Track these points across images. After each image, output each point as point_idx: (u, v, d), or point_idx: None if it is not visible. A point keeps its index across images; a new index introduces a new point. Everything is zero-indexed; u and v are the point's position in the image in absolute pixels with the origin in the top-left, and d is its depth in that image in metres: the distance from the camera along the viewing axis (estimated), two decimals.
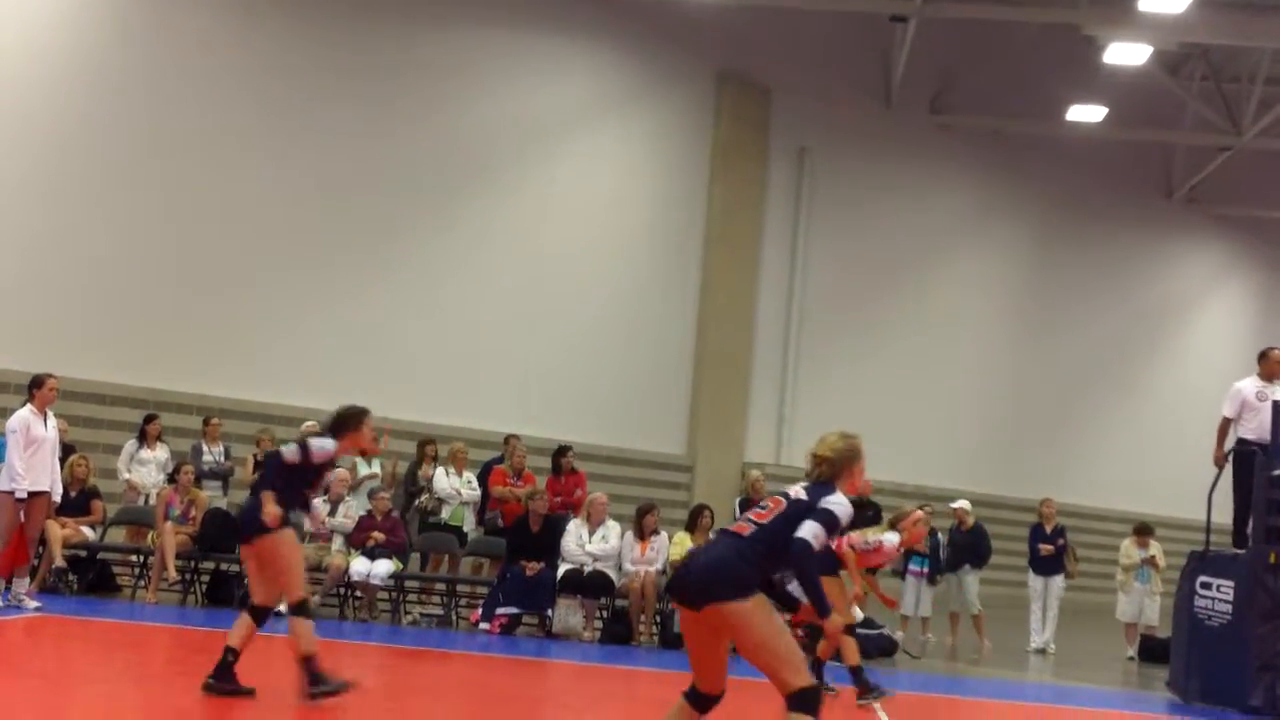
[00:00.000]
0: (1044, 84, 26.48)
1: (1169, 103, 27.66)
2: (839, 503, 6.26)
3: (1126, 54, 23.40)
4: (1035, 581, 17.26)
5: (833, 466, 6.45)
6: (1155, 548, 17.25)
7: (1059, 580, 17.21)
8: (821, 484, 6.35)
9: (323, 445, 8.54)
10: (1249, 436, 13.18)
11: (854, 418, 26.41)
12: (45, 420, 12.15)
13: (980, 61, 26.34)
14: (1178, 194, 31.56)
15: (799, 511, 6.18)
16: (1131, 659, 16.90)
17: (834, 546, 10.04)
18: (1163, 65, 26.07)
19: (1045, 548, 17.18)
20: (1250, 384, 13.39)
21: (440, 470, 15.66)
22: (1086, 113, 26.51)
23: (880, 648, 14.36)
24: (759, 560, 6.11)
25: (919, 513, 10.56)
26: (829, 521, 6.16)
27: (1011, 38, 25.63)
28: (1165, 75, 26.55)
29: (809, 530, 6.11)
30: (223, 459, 15.94)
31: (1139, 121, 27.76)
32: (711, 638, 6.16)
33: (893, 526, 10.61)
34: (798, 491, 6.34)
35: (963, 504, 17.44)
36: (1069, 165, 28.95)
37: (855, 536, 10.28)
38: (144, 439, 15.79)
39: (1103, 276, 30.40)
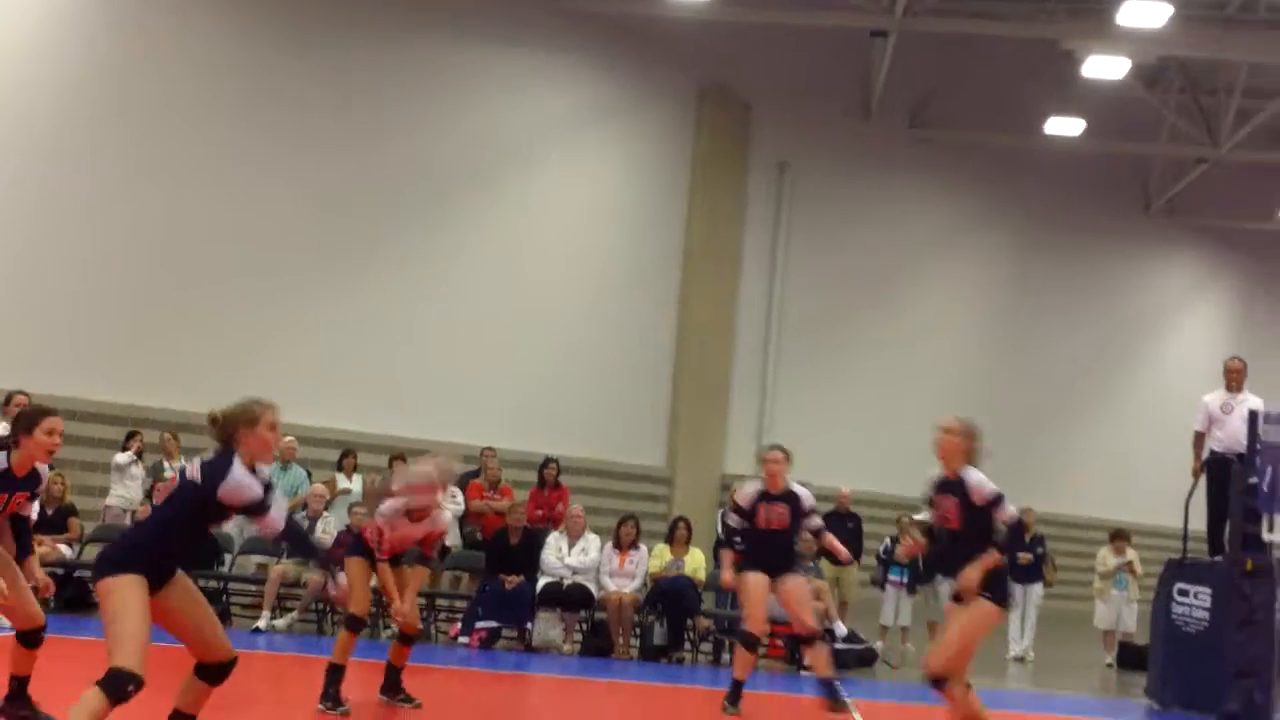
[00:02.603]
0: (1022, 98, 26.62)
1: (1147, 116, 27.80)
2: (227, 472, 6.22)
3: (1105, 67, 23.52)
4: (1014, 590, 17.27)
5: (224, 429, 6.46)
6: (1132, 554, 17.32)
7: (1037, 588, 17.26)
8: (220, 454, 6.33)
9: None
10: (1217, 448, 13.33)
11: (833, 429, 26.87)
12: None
13: (959, 76, 26.45)
14: (1155, 206, 31.74)
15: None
16: (1110, 666, 16.95)
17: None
18: (1141, 78, 26.20)
19: (1023, 556, 17.22)
20: (1215, 397, 13.55)
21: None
22: (1065, 126, 26.65)
23: (860, 658, 14.37)
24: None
25: (432, 479, 9.45)
26: (207, 490, 6.20)
27: (991, 52, 25.74)
28: (1143, 88, 26.69)
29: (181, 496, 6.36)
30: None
31: (1117, 134, 27.92)
32: None
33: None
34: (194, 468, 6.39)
35: (925, 516, 17.46)
36: (1047, 178, 29.09)
37: None
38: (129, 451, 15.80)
39: (1081, 288, 30.53)
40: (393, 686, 9.50)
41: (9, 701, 7.66)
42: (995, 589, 7.79)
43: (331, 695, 8.89)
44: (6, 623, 11.82)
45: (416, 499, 9.27)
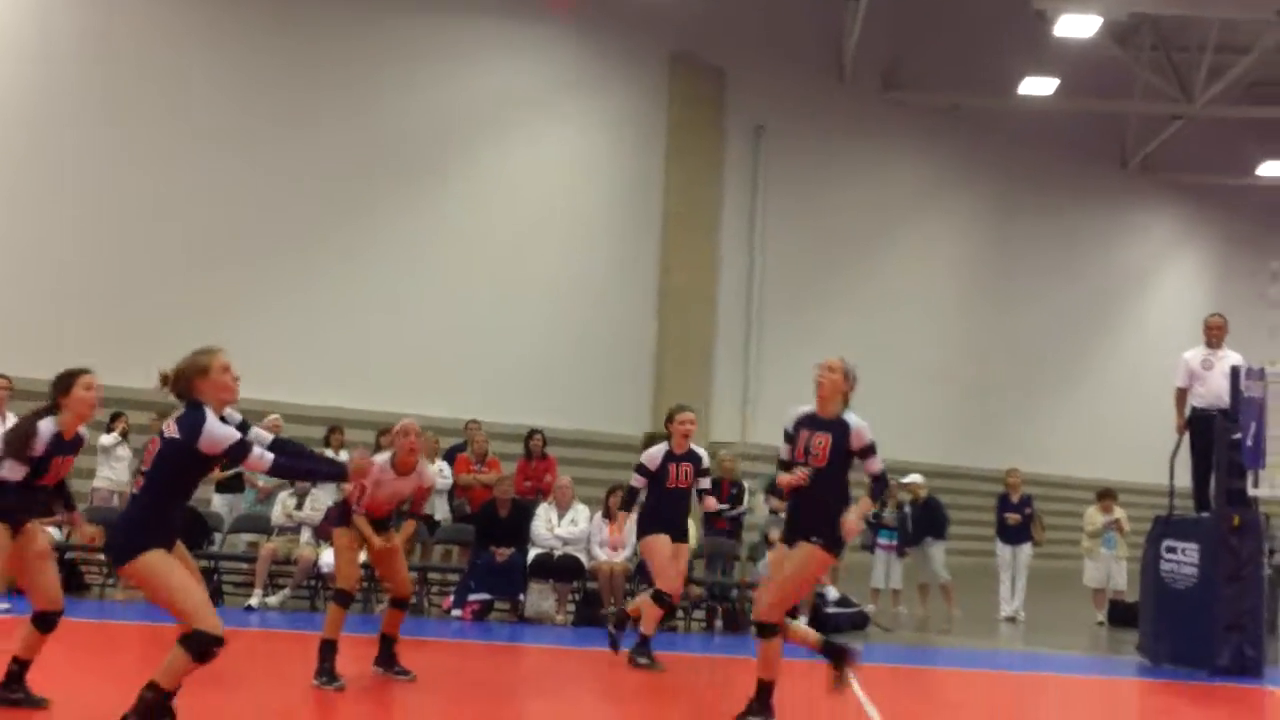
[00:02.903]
0: (996, 58, 26.63)
1: (1120, 73, 27.86)
2: (200, 426, 6.37)
3: (1077, 26, 23.56)
4: (1003, 551, 17.37)
5: (180, 384, 6.59)
6: (1119, 512, 17.39)
7: (1027, 549, 17.33)
8: (189, 408, 6.48)
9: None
10: (1199, 404, 13.41)
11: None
12: (4, 421, 12.02)
13: (932, 37, 26.44)
14: (1132, 163, 31.83)
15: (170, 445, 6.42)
16: (1100, 624, 17.05)
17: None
18: (1113, 36, 26.22)
19: (1012, 517, 17.29)
20: (1195, 353, 13.61)
21: (380, 456, 15.63)
22: (1039, 85, 26.70)
23: (852, 622, 14.42)
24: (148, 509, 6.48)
25: (403, 422, 9.57)
26: (184, 448, 6.37)
27: (963, 12, 25.73)
28: (1115, 46, 26.71)
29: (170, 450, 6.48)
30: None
31: (1091, 92, 27.97)
32: None
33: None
34: (170, 426, 6.48)
35: (914, 478, 17.52)
36: (1023, 138, 29.13)
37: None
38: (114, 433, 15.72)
39: (1060, 247, 30.62)
40: (388, 659, 9.49)
41: (5, 684, 7.64)
42: (829, 534, 7.76)
43: (326, 670, 8.93)
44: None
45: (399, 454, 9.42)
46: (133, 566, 6.36)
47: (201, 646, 6.29)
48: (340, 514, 9.61)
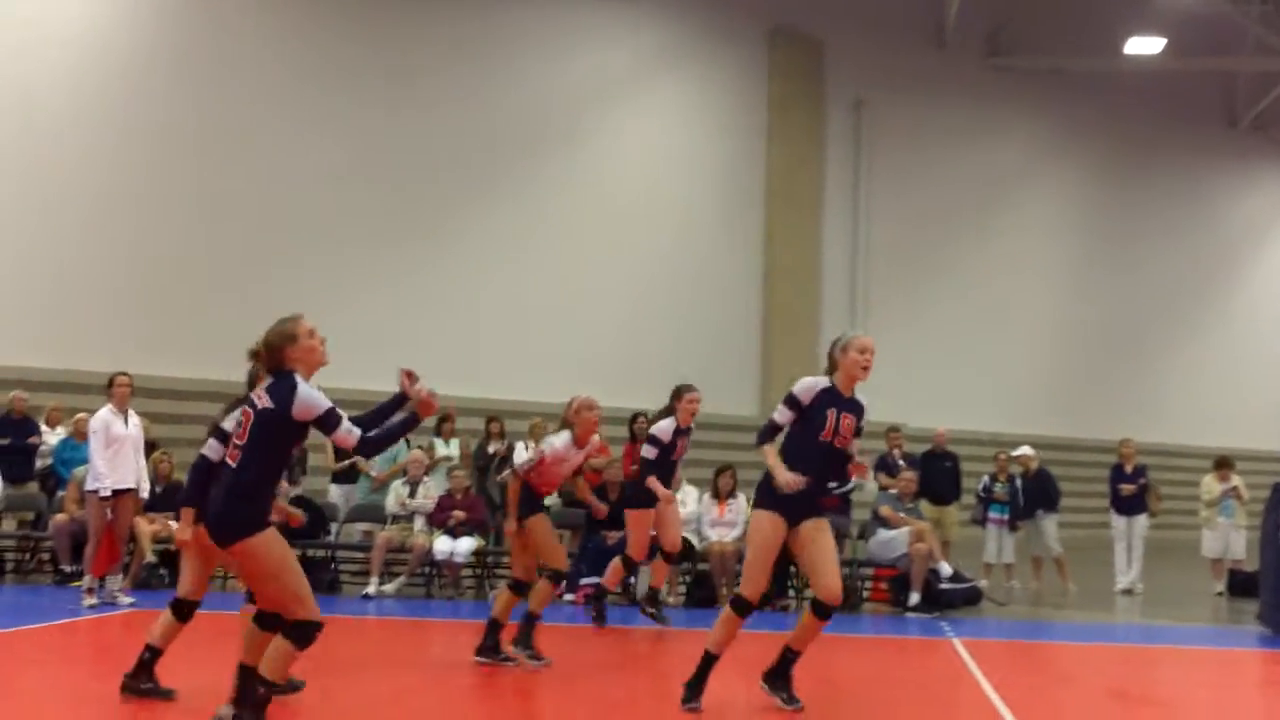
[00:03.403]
0: (1101, 18, 26.17)
1: (1230, 29, 27.21)
2: (300, 396, 6.31)
3: None
4: (1118, 522, 17.14)
5: (272, 356, 6.50)
6: (1237, 480, 17.06)
7: (1142, 519, 17.07)
8: (278, 379, 6.42)
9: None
10: None
11: (926, 368, 26.69)
12: (125, 419, 12.30)
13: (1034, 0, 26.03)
14: (1242, 122, 31.13)
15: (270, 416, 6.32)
16: (1220, 594, 16.75)
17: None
18: None
19: (1126, 488, 17.04)
20: None
21: (520, 444, 15.78)
22: (1145, 44, 26.18)
23: (965, 597, 14.31)
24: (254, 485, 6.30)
25: (581, 398, 9.69)
26: (280, 420, 6.29)
27: None
28: (1224, 1, 26.09)
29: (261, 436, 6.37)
30: None
31: (1199, 50, 27.36)
32: None
33: (564, 424, 9.78)
34: (261, 396, 6.41)
35: (1024, 450, 17.32)
36: (1130, 99, 28.60)
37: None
38: None
39: (1170, 210, 30.03)
40: (527, 638, 9.61)
41: (133, 673, 7.77)
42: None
43: (490, 646, 9.33)
44: (126, 600, 12.12)
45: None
46: (242, 546, 6.18)
47: (309, 635, 6.25)
48: (530, 498, 9.66)
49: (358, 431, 6.45)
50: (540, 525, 9.58)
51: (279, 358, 6.48)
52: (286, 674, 6.43)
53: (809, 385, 7.79)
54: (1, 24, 17.90)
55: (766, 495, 7.65)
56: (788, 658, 7.88)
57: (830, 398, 7.76)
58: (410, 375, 7.03)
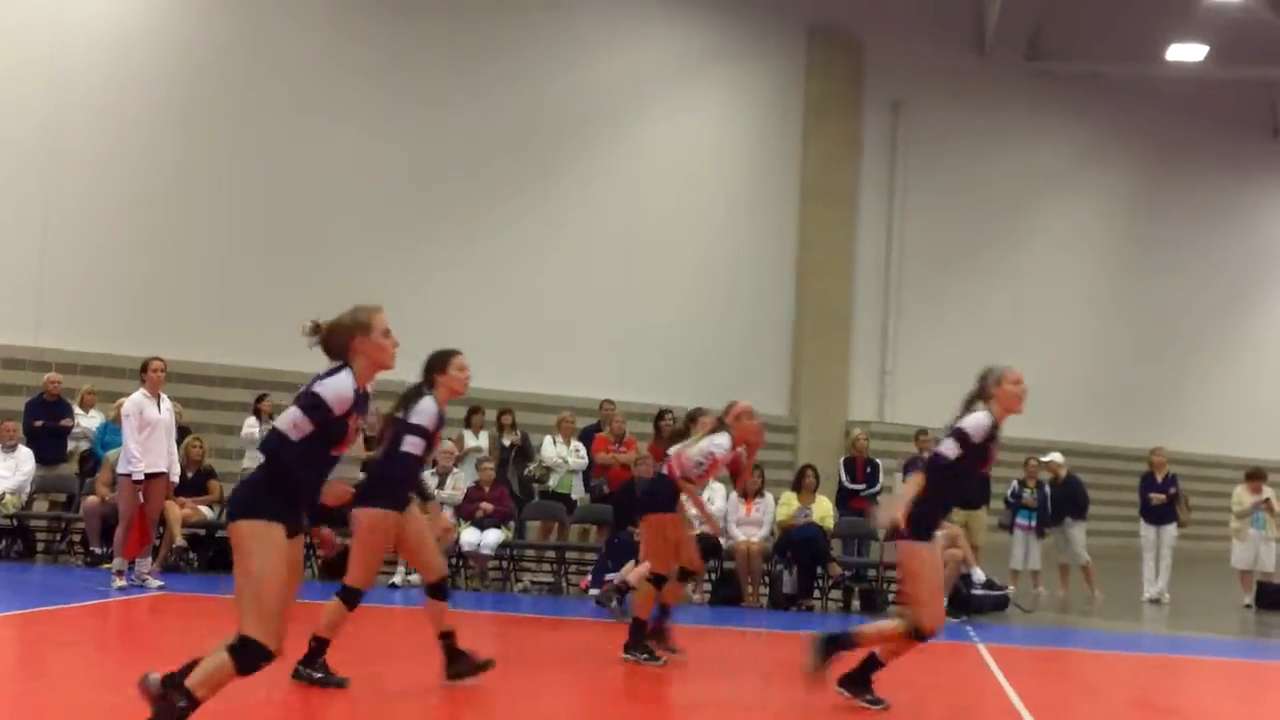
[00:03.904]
0: (1142, 24, 26.00)
1: (1272, 38, 26.99)
2: (330, 385, 5.64)
3: None
4: (1147, 531, 17.07)
5: (334, 340, 5.87)
6: (1269, 492, 16.97)
7: (1171, 529, 16.99)
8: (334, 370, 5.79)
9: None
10: None
11: (956, 372, 26.23)
12: (158, 403, 12.39)
13: (1075, 3, 25.95)
14: None
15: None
16: (1248, 607, 16.66)
17: (666, 472, 9.71)
18: (1265, 0, 25.45)
19: (1156, 496, 16.98)
20: None
21: (548, 439, 15.84)
22: (1187, 52, 26.03)
23: (994, 604, 14.27)
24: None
25: (741, 404, 9.69)
26: (311, 405, 5.59)
27: None
28: (1268, 9, 25.91)
29: (287, 418, 5.63)
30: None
31: (1241, 59, 27.15)
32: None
33: (721, 426, 9.71)
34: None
35: (1054, 456, 17.27)
36: (1170, 107, 28.42)
37: (684, 456, 9.58)
38: (259, 417, 16.05)
39: (1207, 218, 29.84)
40: (661, 633, 9.65)
41: (304, 660, 7.69)
42: None
43: (640, 645, 9.34)
44: (155, 583, 12.21)
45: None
46: (235, 526, 5.55)
47: (252, 660, 5.44)
48: (665, 494, 9.67)
49: (293, 440, 5.62)
50: (669, 521, 9.61)
51: (344, 342, 5.85)
52: (211, 695, 5.53)
53: (979, 423, 7.74)
54: (35, 18, 18.00)
55: (923, 528, 7.59)
56: (870, 664, 7.84)
57: (994, 431, 7.82)
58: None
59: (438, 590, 8.03)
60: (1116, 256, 28.81)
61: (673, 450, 9.86)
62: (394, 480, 7.87)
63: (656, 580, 9.57)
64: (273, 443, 5.67)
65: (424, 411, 7.73)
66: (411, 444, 7.68)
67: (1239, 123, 30.30)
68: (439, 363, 7.99)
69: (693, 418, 11.32)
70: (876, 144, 25.30)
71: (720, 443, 9.52)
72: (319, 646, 7.75)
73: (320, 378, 5.76)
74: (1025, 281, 26.87)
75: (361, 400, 5.84)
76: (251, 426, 16.02)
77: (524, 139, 21.27)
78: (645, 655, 9.34)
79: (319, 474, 5.77)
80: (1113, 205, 28.96)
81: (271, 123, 19.30)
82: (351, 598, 7.84)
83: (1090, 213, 28.53)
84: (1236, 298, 30.47)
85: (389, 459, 7.84)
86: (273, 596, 5.45)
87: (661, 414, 16.40)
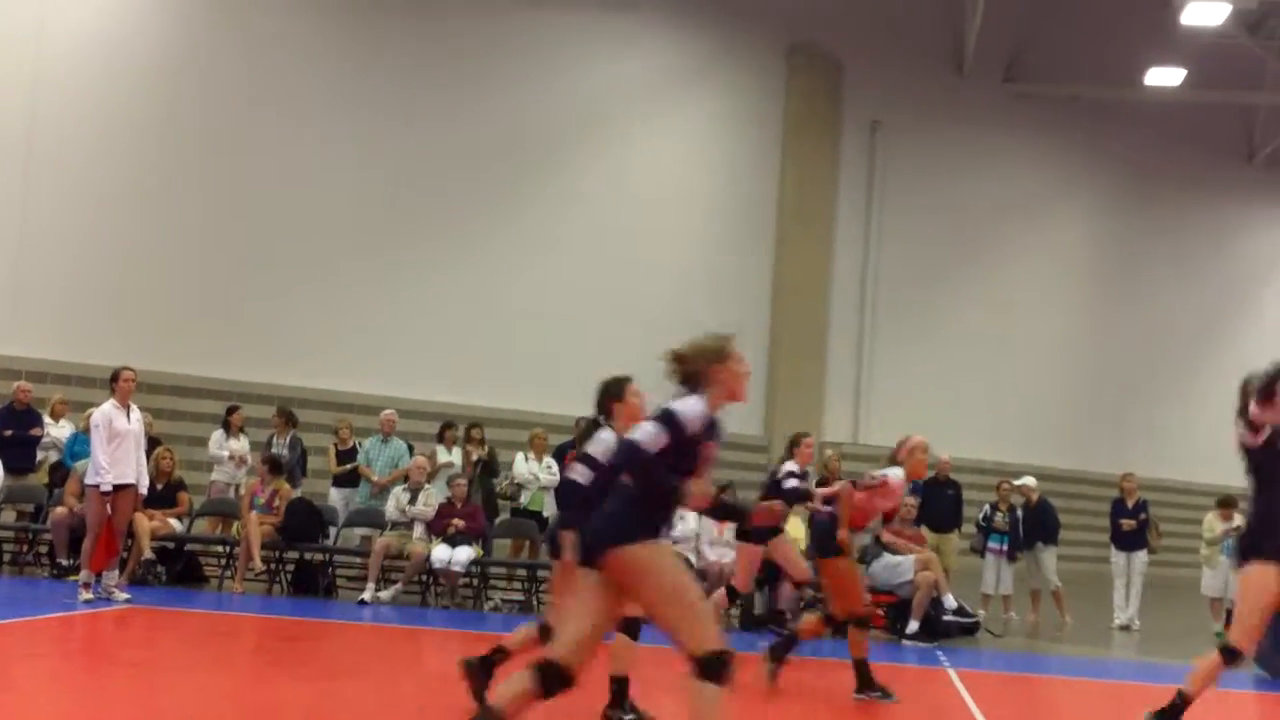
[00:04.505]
0: (1120, 48, 26.14)
1: (1249, 63, 27.18)
2: (686, 404, 5.57)
3: (1205, 14, 23.05)
4: (1118, 557, 17.08)
5: (690, 367, 5.80)
6: (1239, 520, 16.98)
7: (1142, 555, 17.01)
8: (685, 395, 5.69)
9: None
10: None
11: (932, 393, 26.57)
12: (128, 414, 12.29)
13: (1055, 27, 26.05)
14: (1259, 157, 31.06)
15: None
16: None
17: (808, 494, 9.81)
18: (1242, 25, 25.61)
19: (1127, 523, 17.00)
20: None
21: (519, 455, 15.76)
22: (1165, 76, 26.14)
23: (964, 628, 14.25)
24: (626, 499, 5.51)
25: (916, 438, 9.65)
26: (666, 419, 5.50)
27: (1086, 1, 25.27)
28: (1245, 35, 26.08)
29: (640, 430, 5.54)
30: (286, 451, 15.90)
31: (1219, 83, 27.30)
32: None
33: (894, 461, 9.63)
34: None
35: (1027, 480, 17.28)
36: (1148, 130, 28.55)
37: (854, 493, 9.50)
38: (228, 430, 15.97)
39: (1183, 241, 29.97)
40: (867, 682, 9.32)
41: (611, 705, 7.44)
42: None
43: (870, 683, 9.19)
44: (122, 595, 12.08)
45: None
46: (616, 557, 5.42)
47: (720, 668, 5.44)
48: (827, 538, 9.48)
49: (651, 452, 5.51)
50: (843, 565, 9.42)
51: (701, 371, 5.80)
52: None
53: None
54: (15, 21, 17.93)
55: (1273, 546, 7.48)
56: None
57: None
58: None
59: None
60: (1092, 279, 28.92)
61: (825, 490, 9.90)
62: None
63: (860, 622, 9.35)
64: (627, 454, 5.55)
65: (602, 441, 7.42)
66: (580, 473, 7.33)
67: (1216, 147, 30.45)
68: (616, 391, 7.72)
69: (795, 442, 11.26)
70: (854, 164, 25.36)
71: (898, 473, 9.44)
72: (620, 688, 7.46)
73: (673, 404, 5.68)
74: (1000, 304, 26.93)
75: (714, 428, 5.73)
76: (218, 440, 15.93)
77: (500, 155, 21.25)
78: (879, 693, 9.18)
79: (674, 494, 5.58)
80: (1089, 228, 29.07)
81: (248, 135, 19.25)
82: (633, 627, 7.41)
83: (1066, 235, 28.63)
84: (1211, 323, 30.59)
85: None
86: (698, 599, 5.45)
87: None
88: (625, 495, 5.54)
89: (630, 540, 5.40)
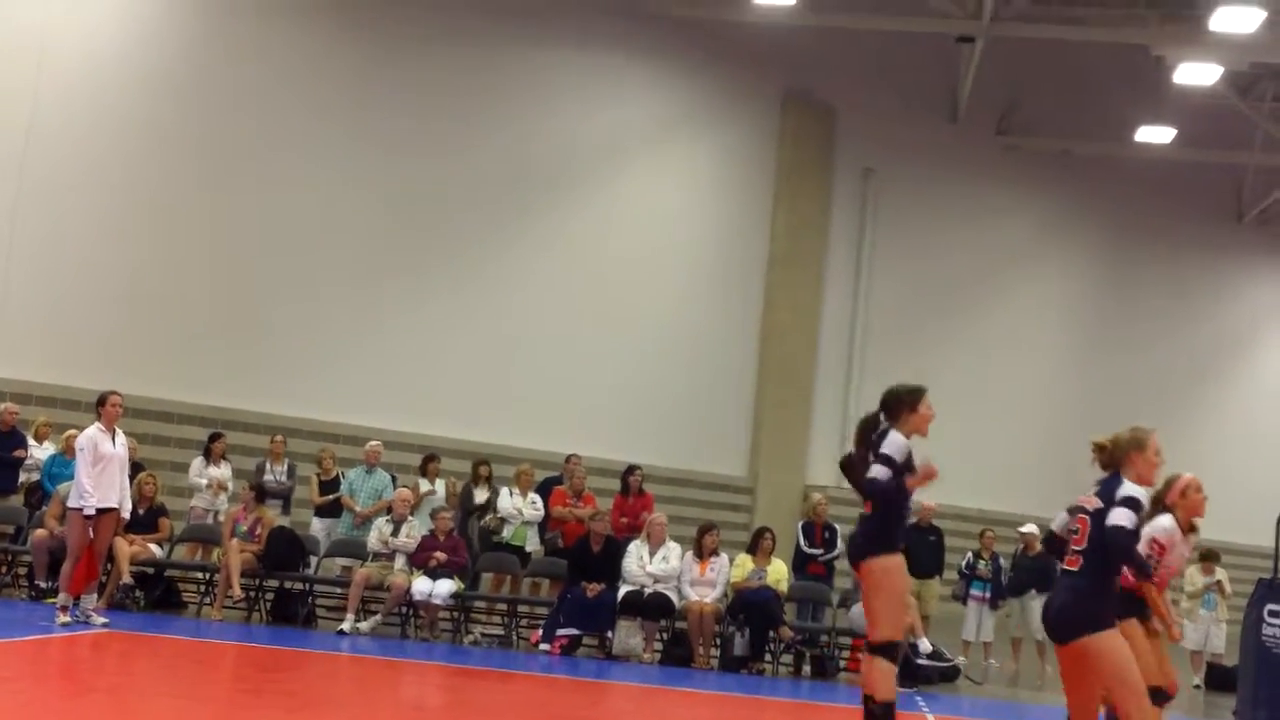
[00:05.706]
0: (1112, 105, 26.30)
1: (1239, 124, 27.35)
2: (1134, 489, 6.61)
3: (1196, 74, 23.20)
4: None
5: (1113, 455, 6.78)
6: (1221, 574, 17.03)
7: None
8: (1109, 479, 6.73)
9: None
10: None
11: (917, 440, 26.22)
12: (113, 438, 12.27)
13: (1048, 82, 26.20)
14: (1248, 217, 31.22)
15: (1102, 515, 6.54)
16: (1198, 687, 16.68)
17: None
18: (1233, 86, 25.80)
19: None
20: None
21: (505, 490, 15.72)
22: (1155, 134, 26.30)
23: (943, 674, 14.22)
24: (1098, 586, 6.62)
25: (1186, 476, 8.80)
26: (1131, 503, 6.51)
27: (1080, 58, 25.47)
28: (1235, 96, 26.27)
29: (1117, 516, 6.47)
30: (284, 478, 15.96)
31: (1209, 143, 27.47)
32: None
33: (1157, 507, 8.37)
34: (1089, 500, 6.70)
35: (1030, 528, 17.26)
36: (1137, 187, 28.70)
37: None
38: (209, 456, 15.93)
39: (1170, 299, 30.07)
40: None
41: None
42: None
43: None
44: (100, 620, 12.03)
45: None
46: (1084, 643, 6.63)
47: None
48: (1118, 601, 7.43)
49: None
50: (1131, 632, 7.68)
51: (1123, 459, 6.94)
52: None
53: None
54: (10, 39, 17.98)
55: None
56: None
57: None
58: None
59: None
60: (1080, 331, 29.01)
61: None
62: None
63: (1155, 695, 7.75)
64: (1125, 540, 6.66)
65: (895, 444, 7.82)
66: (879, 472, 7.67)
67: (1205, 206, 30.61)
68: (912, 401, 8.19)
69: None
70: (846, 210, 25.46)
71: (1164, 525, 8.31)
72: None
73: (1107, 492, 6.81)
74: (988, 352, 27.00)
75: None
76: (197, 468, 15.89)
77: (494, 194, 21.31)
78: None
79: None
80: (1078, 281, 29.18)
81: (239, 164, 19.28)
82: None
83: (1055, 287, 28.74)
84: (1199, 379, 30.66)
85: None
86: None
87: (630, 470, 16.33)
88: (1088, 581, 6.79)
89: (1109, 626, 6.68)
